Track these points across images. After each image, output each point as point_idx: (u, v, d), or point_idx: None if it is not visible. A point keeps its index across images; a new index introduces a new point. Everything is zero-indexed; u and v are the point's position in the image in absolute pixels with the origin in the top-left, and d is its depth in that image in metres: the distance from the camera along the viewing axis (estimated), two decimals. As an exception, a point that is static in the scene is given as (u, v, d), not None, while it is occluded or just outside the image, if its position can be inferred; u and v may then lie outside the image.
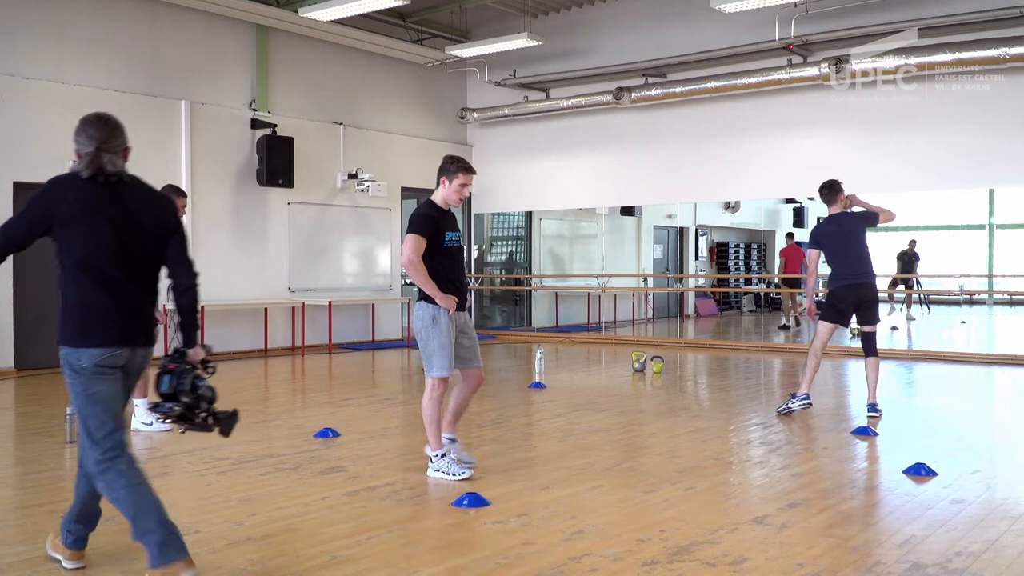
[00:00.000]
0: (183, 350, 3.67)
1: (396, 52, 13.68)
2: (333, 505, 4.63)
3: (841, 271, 7.30)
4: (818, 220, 8.21)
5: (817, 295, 8.64)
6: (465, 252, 5.36)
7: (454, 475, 5.08)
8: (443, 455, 5.15)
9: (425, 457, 5.37)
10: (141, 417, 6.68)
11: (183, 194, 7.03)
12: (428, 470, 5.20)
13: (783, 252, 17.34)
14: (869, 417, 7.13)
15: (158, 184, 4.58)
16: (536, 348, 10.74)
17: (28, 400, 8.60)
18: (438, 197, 5.18)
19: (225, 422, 3.68)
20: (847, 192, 7.72)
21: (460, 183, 5.11)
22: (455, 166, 5.13)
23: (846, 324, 7.57)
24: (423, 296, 5.07)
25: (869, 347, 7.36)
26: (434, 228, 5.03)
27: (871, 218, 7.46)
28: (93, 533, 3.74)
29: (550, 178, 14.67)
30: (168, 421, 3.68)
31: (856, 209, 7.68)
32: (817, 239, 7.44)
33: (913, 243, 17.06)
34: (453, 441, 5.33)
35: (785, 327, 16.57)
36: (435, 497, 4.79)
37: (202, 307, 11.15)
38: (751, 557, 3.77)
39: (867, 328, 7.36)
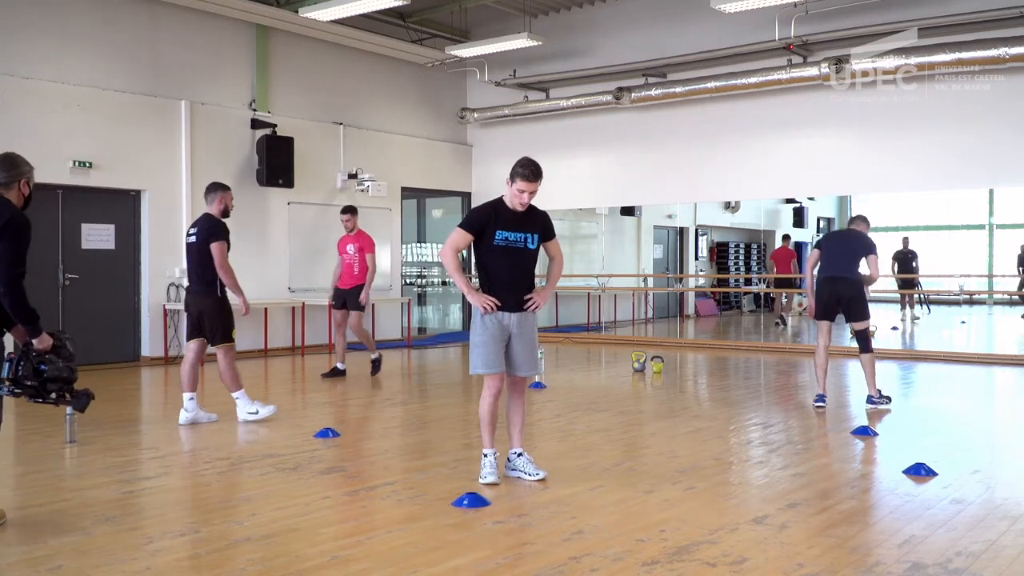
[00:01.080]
0: (29, 341, 4.25)
1: (396, 52, 13.68)
2: (333, 505, 4.63)
3: (823, 268, 7.70)
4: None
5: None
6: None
7: (481, 477, 5.01)
8: (486, 455, 5.08)
9: (425, 457, 5.38)
10: (245, 407, 7.05)
11: (225, 188, 7.23)
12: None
13: (773, 255, 17.30)
14: (868, 408, 7.40)
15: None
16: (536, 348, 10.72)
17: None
18: (506, 197, 5.09)
19: (78, 399, 4.36)
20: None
21: (518, 189, 4.98)
22: (515, 170, 5.00)
23: (831, 319, 7.75)
24: None
25: (862, 344, 7.62)
26: (481, 225, 4.97)
27: (870, 250, 7.63)
28: (92, 534, 3.73)
29: (550, 178, 14.34)
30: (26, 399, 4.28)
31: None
32: (819, 243, 7.94)
33: (906, 240, 16.93)
34: (519, 455, 5.21)
35: (779, 323, 16.63)
36: (435, 497, 4.79)
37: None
38: (751, 557, 3.77)
39: (856, 326, 7.63)
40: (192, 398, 7.05)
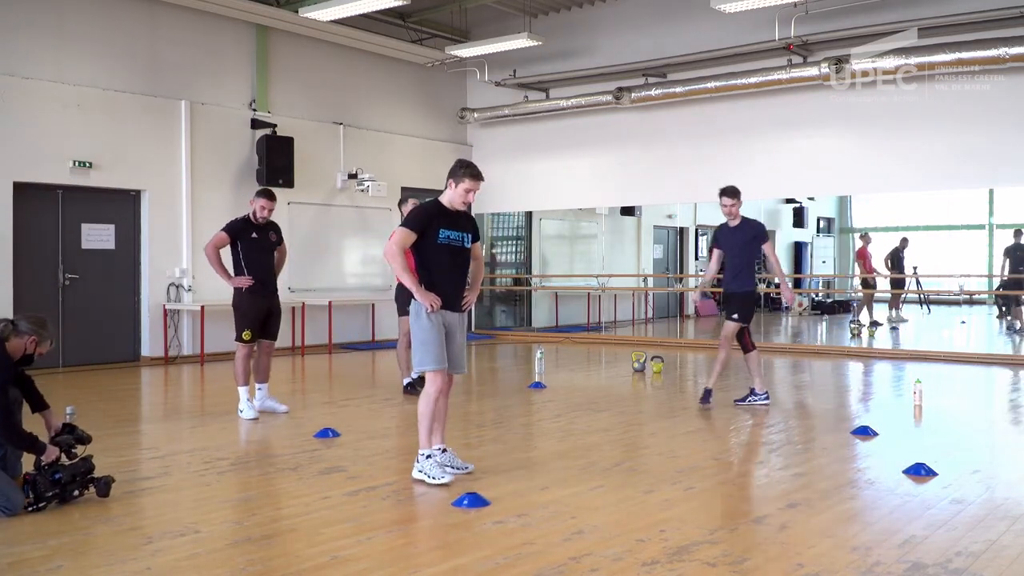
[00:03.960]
0: (39, 459, 4.53)
1: (396, 52, 13.68)
2: (333, 505, 4.63)
3: (751, 273, 7.76)
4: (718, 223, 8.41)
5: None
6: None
7: (434, 478, 4.97)
8: (428, 456, 5.07)
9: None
10: (239, 403, 7.34)
11: (256, 195, 7.49)
12: (413, 469, 5.13)
13: (860, 253, 16.73)
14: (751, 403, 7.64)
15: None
16: (536, 348, 10.74)
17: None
18: (444, 198, 5.18)
19: (101, 487, 4.65)
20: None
21: (465, 188, 5.12)
22: (463, 171, 5.13)
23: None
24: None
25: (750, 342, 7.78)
26: (425, 224, 5.03)
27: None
28: (92, 534, 3.74)
29: (550, 178, 14.67)
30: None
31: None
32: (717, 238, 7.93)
33: (905, 241, 16.63)
34: (443, 451, 5.24)
35: (877, 324, 15.84)
36: (435, 497, 4.79)
37: (202, 307, 11.26)
38: (751, 557, 3.77)
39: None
40: (259, 388, 7.51)
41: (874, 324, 15.74)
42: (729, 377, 10.53)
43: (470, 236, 5.23)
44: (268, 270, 7.49)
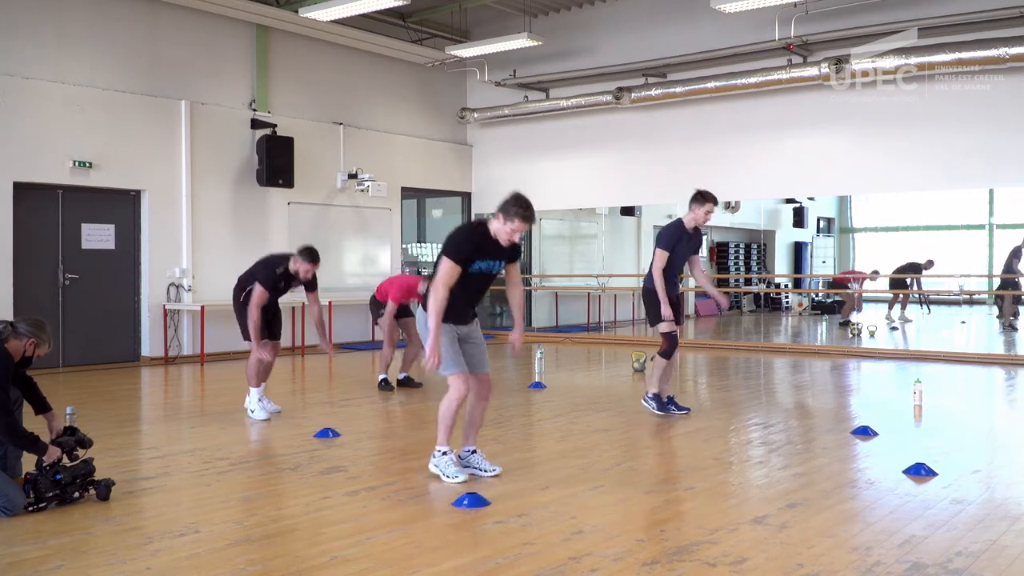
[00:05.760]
0: (40, 459, 4.54)
1: (396, 52, 13.68)
2: (333, 505, 4.63)
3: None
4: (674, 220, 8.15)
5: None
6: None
7: (449, 476, 5.03)
8: (444, 452, 5.11)
9: (425, 457, 5.37)
10: (248, 403, 7.32)
11: (296, 255, 7.21)
12: (430, 463, 5.19)
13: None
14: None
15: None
16: (536, 348, 10.73)
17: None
18: (492, 227, 5.02)
19: (101, 490, 4.66)
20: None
21: (513, 228, 4.93)
22: (515, 210, 4.91)
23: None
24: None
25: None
26: (468, 255, 4.92)
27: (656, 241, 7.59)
28: (92, 534, 3.74)
29: (550, 178, 14.66)
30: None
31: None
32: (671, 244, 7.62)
33: (930, 263, 16.52)
34: (473, 452, 5.25)
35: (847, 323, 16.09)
36: (435, 497, 4.79)
37: (202, 307, 11.24)
38: (751, 557, 3.77)
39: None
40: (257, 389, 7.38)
41: (846, 323, 15.97)
42: (728, 377, 10.54)
43: (502, 262, 5.11)
44: (276, 302, 7.46)
